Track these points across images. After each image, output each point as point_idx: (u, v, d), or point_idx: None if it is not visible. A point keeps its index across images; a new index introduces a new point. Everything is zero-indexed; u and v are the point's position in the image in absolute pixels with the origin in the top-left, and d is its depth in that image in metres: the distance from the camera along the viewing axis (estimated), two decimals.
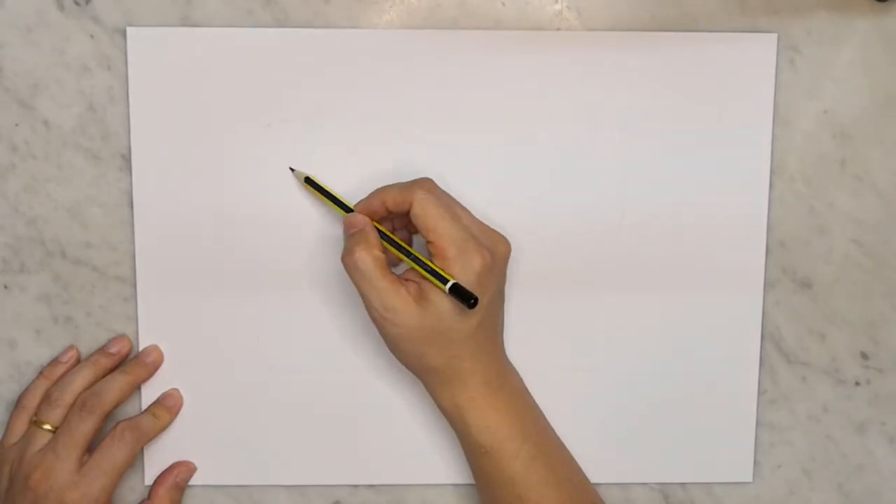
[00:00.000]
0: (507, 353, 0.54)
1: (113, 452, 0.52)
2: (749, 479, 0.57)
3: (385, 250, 0.50)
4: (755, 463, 0.57)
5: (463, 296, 0.47)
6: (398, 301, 0.48)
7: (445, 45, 0.53)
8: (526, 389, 0.54)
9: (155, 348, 0.55)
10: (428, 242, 0.49)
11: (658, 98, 0.54)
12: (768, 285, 0.56)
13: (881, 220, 0.56)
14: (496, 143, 0.54)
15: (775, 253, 0.56)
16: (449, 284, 0.47)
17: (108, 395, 0.52)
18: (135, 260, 0.55)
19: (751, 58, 0.54)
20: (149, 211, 0.54)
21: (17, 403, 0.54)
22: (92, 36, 0.53)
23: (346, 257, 0.49)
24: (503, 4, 0.54)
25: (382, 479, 0.57)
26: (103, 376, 0.54)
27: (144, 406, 0.55)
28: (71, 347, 0.55)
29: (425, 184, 0.50)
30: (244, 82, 0.53)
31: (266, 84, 0.53)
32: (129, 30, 0.53)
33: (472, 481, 0.56)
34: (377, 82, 0.54)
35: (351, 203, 0.52)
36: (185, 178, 0.54)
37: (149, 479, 0.56)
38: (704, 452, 0.57)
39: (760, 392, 0.57)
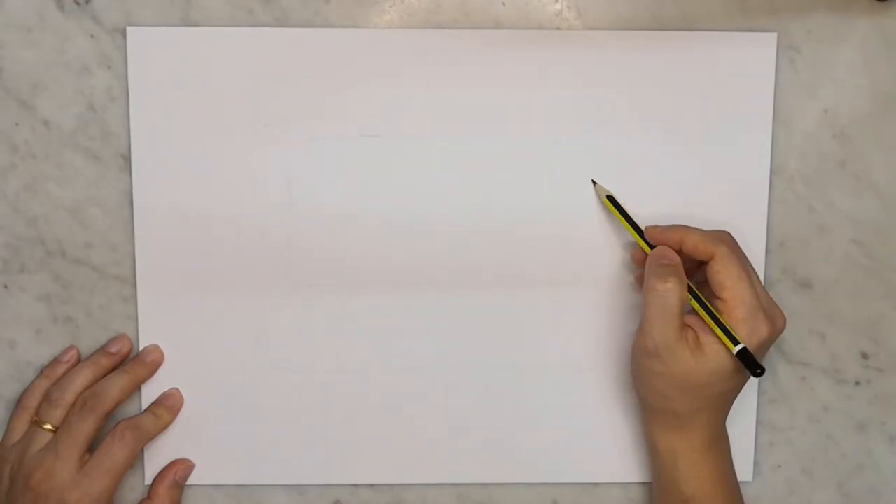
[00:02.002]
0: (504, 352, 0.55)
1: (114, 452, 0.52)
2: (749, 478, 0.57)
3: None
4: (755, 463, 0.57)
5: (749, 363, 0.48)
6: (678, 344, 0.49)
7: (445, 45, 0.53)
8: (731, 457, 0.53)
9: (155, 348, 0.55)
10: (717, 298, 0.50)
11: (658, 98, 0.54)
12: (768, 285, 0.56)
13: (881, 220, 0.56)
14: (496, 142, 0.54)
15: (775, 253, 0.56)
16: (738, 348, 0.48)
17: (108, 395, 0.52)
18: (135, 260, 0.55)
19: (751, 58, 0.54)
20: (149, 211, 0.54)
21: (18, 404, 0.54)
22: (92, 36, 0.53)
23: (657, 283, 0.49)
24: (503, 4, 0.54)
25: (382, 479, 0.57)
26: (104, 376, 0.54)
27: (145, 406, 0.55)
28: (71, 347, 0.55)
29: (729, 239, 0.51)
30: (244, 82, 0.53)
31: (266, 84, 0.53)
32: (129, 30, 0.53)
33: (471, 481, 0.56)
34: (377, 82, 0.54)
35: (642, 225, 0.53)
36: (185, 178, 0.54)
37: (149, 479, 0.56)
38: None
39: (760, 392, 0.57)
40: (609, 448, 0.57)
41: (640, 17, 0.54)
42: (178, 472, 0.55)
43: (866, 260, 0.56)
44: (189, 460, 0.56)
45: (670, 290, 0.49)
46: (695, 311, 0.50)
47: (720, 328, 0.49)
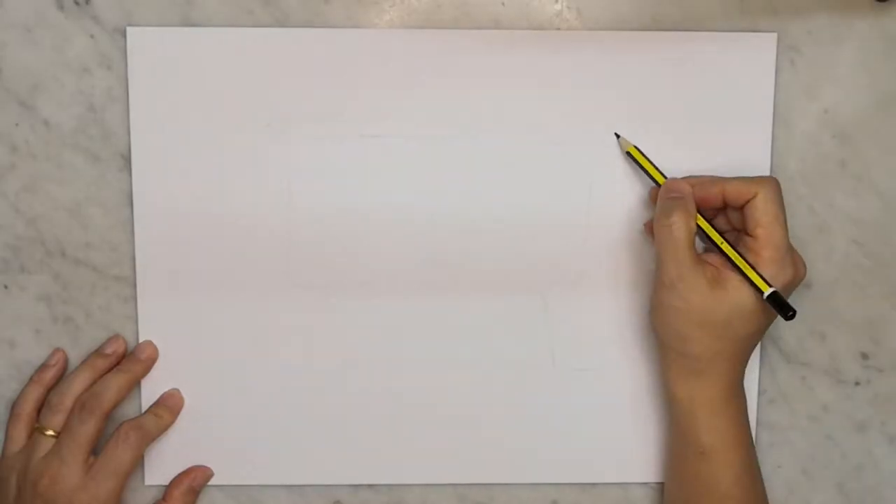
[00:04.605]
0: (501, 351, 0.55)
1: (118, 454, 0.52)
2: None
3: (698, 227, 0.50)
4: None
5: (781, 305, 0.48)
6: (694, 276, 0.48)
7: (445, 45, 0.53)
8: (748, 417, 0.53)
9: (149, 344, 0.55)
10: (749, 236, 0.49)
11: (658, 98, 0.54)
12: None
13: (881, 220, 0.56)
14: (496, 142, 0.54)
15: None
16: (770, 291, 0.48)
17: (106, 395, 0.52)
18: (135, 260, 0.55)
19: (751, 58, 0.54)
20: (149, 211, 0.54)
21: (12, 412, 0.54)
22: (92, 36, 0.53)
23: (662, 219, 0.49)
24: (503, 4, 0.54)
25: (382, 479, 0.57)
26: (101, 378, 0.54)
27: (145, 407, 0.55)
28: (57, 350, 0.55)
29: (775, 182, 0.50)
30: (244, 82, 0.53)
31: (266, 84, 0.53)
32: (129, 30, 0.53)
33: (471, 481, 0.56)
34: (377, 82, 0.54)
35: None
36: (185, 178, 0.54)
37: (149, 480, 0.56)
38: None
39: (760, 392, 0.57)
40: (609, 448, 0.57)
41: (640, 17, 0.54)
42: (195, 479, 0.55)
43: (866, 260, 0.56)
44: (209, 468, 0.56)
45: (675, 223, 0.49)
46: (715, 249, 0.50)
47: (750, 267, 0.48)
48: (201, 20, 0.53)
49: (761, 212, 0.49)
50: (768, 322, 0.51)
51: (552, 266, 0.55)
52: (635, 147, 0.53)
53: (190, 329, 0.55)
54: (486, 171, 0.54)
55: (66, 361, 0.55)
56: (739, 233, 0.51)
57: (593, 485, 0.57)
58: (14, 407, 0.54)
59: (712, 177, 0.52)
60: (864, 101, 0.55)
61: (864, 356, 0.57)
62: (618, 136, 0.54)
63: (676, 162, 0.54)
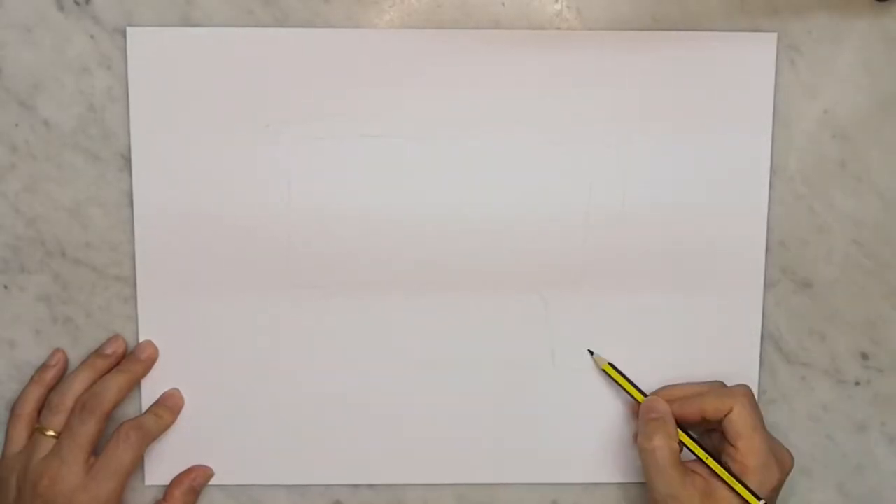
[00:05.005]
0: (501, 351, 0.55)
1: (119, 454, 0.52)
2: None
3: (680, 442, 0.52)
4: None
5: None
6: (684, 492, 0.50)
7: (445, 45, 0.53)
8: None
9: (149, 343, 0.55)
10: (731, 446, 0.51)
11: (658, 98, 0.54)
12: (768, 285, 0.56)
13: (881, 220, 0.56)
14: (496, 142, 0.54)
15: (775, 253, 0.56)
16: None
17: (107, 395, 0.52)
18: (135, 260, 0.54)
19: (751, 58, 0.54)
20: (149, 211, 0.54)
21: (12, 412, 0.54)
22: (92, 36, 0.53)
23: (645, 442, 0.52)
24: (503, 4, 0.54)
25: (382, 479, 0.57)
26: (101, 378, 0.54)
27: (145, 407, 0.55)
28: (58, 351, 0.55)
29: (747, 392, 0.52)
30: (244, 82, 0.53)
31: (266, 84, 0.53)
32: (129, 30, 0.53)
33: (471, 481, 0.56)
34: (377, 82, 0.54)
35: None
36: (185, 178, 0.54)
37: (149, 479, 0.56)
38: None
39: (760, 392, 0.57)
40: (609, 448, 0.57)
41: (640, 17, 0.54)
42: (196, 478, 0.55)
43: (866, 260, 0.56)
44: (209, 468, 0.56)
45: (658, 448, 0.51)
46: (700, 459, 0.52)
47: (739, 483, 0.50)
48: (201, 20, 0.53)
49: (740, 425, 0.51)
50: None
51: (552, 266, 0.55)
52: (610, 364, 0.55)
53: (190, 329, 0.55)
54: (486, 171, 0.54)
55: (66, 362, 0.55)
56: (722, 441, 0.52)
57: (593, 485, 0.57)
58: (14, 407, 0.54)
59: (687, 388, 0.54)
60: (864, 101, 0.55)
61: (864, 356, 0.57)
62: (591, 352, 0.55)
63: (676, 162, 0.54)
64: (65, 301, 0.55)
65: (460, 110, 0.54)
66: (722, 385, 0.54)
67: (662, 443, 0.51)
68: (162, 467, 0.56)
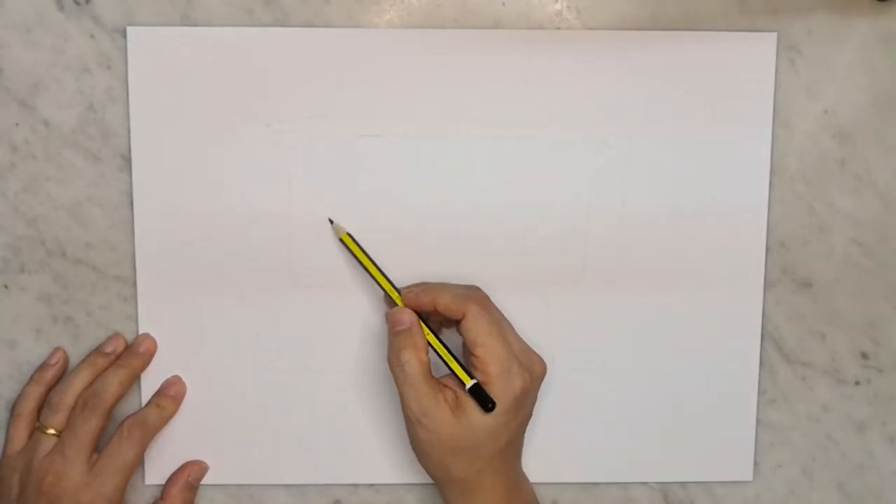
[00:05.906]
0: None
1: (122, 451, 0.52)
2: (749, 478, 0.57)
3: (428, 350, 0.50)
4: (755, 462, 0.57)
5: (481, 399, 0.48)
6: (436, 407, 0.49)
7: (445, 45, 0.53)
8: (537, 500, 0.53)
9: (147, 337, 0.55)
10: (472, 355, 0.49)
11: (658, 98, 0.54)
12: (768, 285, 0.56)
13: (881, 220, 0.56)
14: (496, 142, 0.54)
15: (775, 253, 0.56)
16: (469, 385, 0.49)
17: (107, 392, 0.52)
18: (135, 260, 0.55)
19: (751, 58, 0.54)
20: (149, 211, 0.54)
21: (12, 412, 0.54)
22: (92, 36, 0.53)
23: (393, 357, 0.50)
24: (503, 4, 0.54)
25: (382, 479, 0.57)
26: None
27: (145, 402, 0.55)
28: (57, 350, 0.55)
29: (479, 297, 0.51)
30: (244, 82, 0.53)
31: (266, 84, 0.53)
32: (129, 30, 0.53)
33: None
34: (377, 82, 0.54)
35: (389, 274, 0.53)
36: (185, 178, 0.54)
37: (149, 478, 0.56)
38: (704, 452, 0.57)
39: (760, 392, 0.57)
40: (609, 448, 0.57)
41: (640, 17, 0.54)
42: (191, 474, 0.55)
43: (866, 260, 0.56)
44: (203, 462, 0.56)
45: (405, 361, 0.49)
46: (453, 372, 0.50)
47: (458, 367, 0.49)
48: (201, 20, 0.53)
49: (474, 332, 0.49)
50: (521, 419, 0.50)
51: (552, 266, 0.55)
52: (348, 234, 0.53)
53: (190, 328, 0.55)
54: (486, 171, 0.54)
55: (66, 361, 0.55)
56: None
57: (593, 485, 0.57)
58: (14, 407, 0.54)
59: (424, 288, 0.52)
60: (864, 101, 0.55)
61: (864, 356, 0.57)
62: (331, 221, 0.54)
63: (676, 162, 0.54)
64: (65, 301, 0.55)
65: (460, 110, 0.54)
66: (465, 288, 0.52)
67: (410, 356, 0.49)
68: (162, 467, 0.56)
